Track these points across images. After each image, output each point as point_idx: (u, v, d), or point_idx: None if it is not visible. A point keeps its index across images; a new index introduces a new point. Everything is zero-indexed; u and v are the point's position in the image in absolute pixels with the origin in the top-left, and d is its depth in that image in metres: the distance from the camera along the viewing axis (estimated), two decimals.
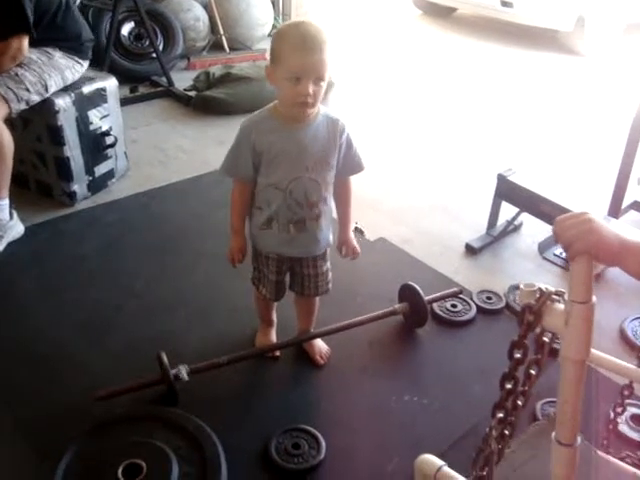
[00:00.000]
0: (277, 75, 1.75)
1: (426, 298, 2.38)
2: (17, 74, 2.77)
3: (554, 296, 1.06)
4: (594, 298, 1.02)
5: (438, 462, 1.34)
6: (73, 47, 3.03)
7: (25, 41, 2.76)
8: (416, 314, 2.40)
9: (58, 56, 2.96)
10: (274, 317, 2.30)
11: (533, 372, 1.10)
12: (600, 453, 1.39)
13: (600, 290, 2.72)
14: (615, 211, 2.85)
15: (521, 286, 1.09)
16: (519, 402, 1.11)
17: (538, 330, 1.07)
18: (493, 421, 1.12)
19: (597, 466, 1.40)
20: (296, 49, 1.70)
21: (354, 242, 2.09)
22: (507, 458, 1.30)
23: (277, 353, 2.25)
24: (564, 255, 2.90)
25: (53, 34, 2.93)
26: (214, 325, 2.41)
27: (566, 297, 1.04)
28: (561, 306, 1.05)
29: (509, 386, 1.11)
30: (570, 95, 5.27)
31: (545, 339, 1.08)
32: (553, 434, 1.08)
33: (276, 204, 1.90)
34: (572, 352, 1.04)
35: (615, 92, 5.34)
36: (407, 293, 2.42)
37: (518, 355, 1.09)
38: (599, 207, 2.90)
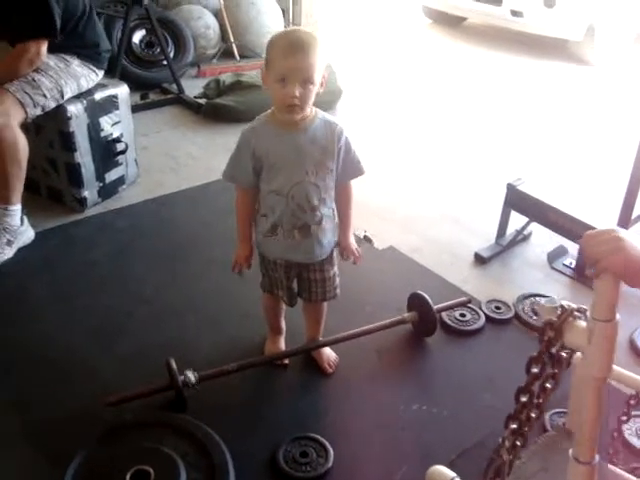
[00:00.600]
0: (269, 80, 1.79)
1: (435, 307, 2.38)
2: (34, 79, 2.79)
3: (576, 313, 1.06)
4: (618, 316, 1.01)
5: (450, 474, 1.34)
6: (91, 56, 3.05)
7: (44, 46, 2.78)
8: (425, 323, 2.40)
9: (75, 64, 2.98)
10: (283, 325, 2.31)
11: (549, 386, 1.10)
12: (609, 466, 1.39)
13: None
14: (625, 221, 2.84)
15: (542, 302, 1.09)
16: (533, 414, 1.11)
17: (558, 346, 1.07)
18: (506, 432, 1.12)
19: (605, 479, 1.39)
20: (283, 51, 1.75)
21: (354, 246, 2.07)
22: (517, 469, 1.30)
23: (286, 361, 2.25)
24: (573, 265, 2.90)
25: (73, 41, 2.95)
26: (224, 332, 2.42)
27: (588, 314, 1.03)
28: (583, 323, 1.04)
29: (524, 399, 1.10)
30: (580, 105, 5.27)
31: (563, 354, 1.08)
32: (570, 451, 1.08)
33: (279, 210, 1.91)
34: (594, 370, 1.03)
35: (625, 101, 5.33)
36: (416, 302, 2.42)
37: (535, 370, 1.09)
38: (609, 217, 2.89)
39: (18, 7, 2.70)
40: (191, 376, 2.04)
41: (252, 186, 1.93)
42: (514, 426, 1.12)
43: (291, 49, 1.73)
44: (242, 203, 1.98)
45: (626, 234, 1.03)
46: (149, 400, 2.04)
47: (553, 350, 1.09)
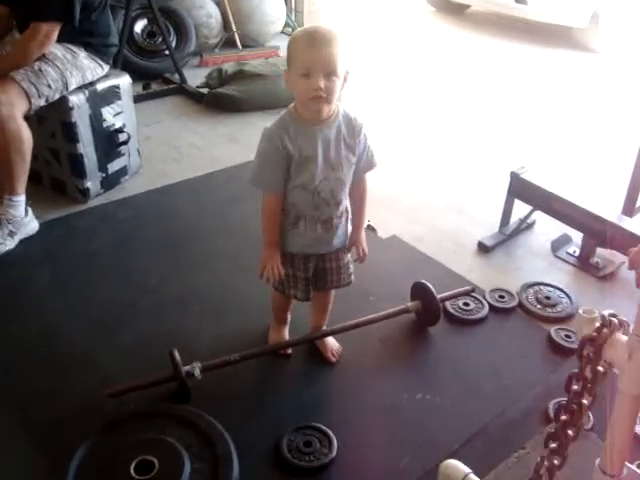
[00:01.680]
0: (291, 76, 1.78)
1: (438, 296, 2.37)
2: (40, 69, 2.78)
3: (617, 326, 1.01)
4: None
5: (465, 469, 1.32)
6: (98, 48, 3.05)
7: (56, 30, 2.77)
8: (428, 312, 2.39)
9: (82, 56, 2.97)
10: (289, 316, 2.31)
11: (586, 402, 1.06)
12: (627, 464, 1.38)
13: (614, 289, 2.71)
14: (629, 210, 2.83)
15: (580, 312, 1.04)
16: (570, 432, 1.08)
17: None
18: (546, 451, 1.09)
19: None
20: (305, 45, 1.75)
21: (364, 243, 2.09)
22: (521, 459, 1.30)
23: (289, 351, 2.25)
24: (577, 254, 2.89)
25: (85, 28, 2.95)
26: (227, 322, 2.42)
27: (630, 329, 0.99)
28: (624, 338, 1.00)
29: (564, 418, 1.07)
30: (584, 92, 5.24)
31: (600, 369, 1.03)
32: (597, 462, 1.05)
33: (303, 205, 1.91)
34: (633, 387, 1.00)
35: (630, 89, 5.30)
36: (419, 291, 2.42)
37: (576, 387, 1.05)
38: (613, 205, 2.88)
39: None
40: (195, 367, 2.04)
41: (283, 190, 1.91)
42: (554, 445, 1.10)
43: (313, 41, 1.74)
44: (271, 209, 1.93)
45: None
46: (152, 391, 2.04)
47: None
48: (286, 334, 2.30)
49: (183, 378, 2.01)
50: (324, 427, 1.95)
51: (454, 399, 2.12)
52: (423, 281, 2.41)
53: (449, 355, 2.33)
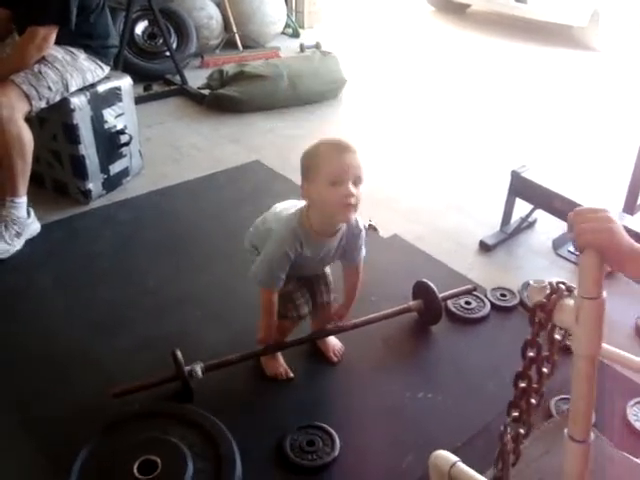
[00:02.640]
0: (315, 188, 1.79)
1: (440, 295, 2.38)
2: (40, 71, 2.80)
3: (564, 292, 1.06)
4: (604, 293, 1.02)
5: (452, 458, 1.34)
6: (98, 50, 3.06)
7: (53, 33, 2.78)
8: (430, 311, 2.40)
9: (82, 58, 2.98)
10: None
11: (545, 370, 1.10)
12: (618, 451, 1.39)
13: (614, 286, 2.71)
14: (630, 208, 2.84)
15: (531, 282, 1.09)
16: (533, 400, 1.11)
17: (549, 327, 1.07)
18: (508, 419, 1.12)
19: (614, 462, 1.40)
20: (332, 153, 1.78)
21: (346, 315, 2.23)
22: (521, 454, 1.30)
23: (291, 374, 2.19)
24: (577, 252, 2.88)
25: (83, 31, 2.95)
26: (228, 323, 2.42)
27: (575, 292, 1.04)
28: (571, 302, 1.04)
29: (523, 385, 1.11)
30: (585, 91, 5.24)
31: (557, 336, 1.08)
32: (566, 430, 1.08)
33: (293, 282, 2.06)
34: (583, 348, 1.04)
35: (631, 87, 5.30)
36: (421, 290, 2.42)
37: (531, 354, 1.09)
38: (614, 203, 2.88)
39: None
40: (197, 367, 2.05)
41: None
42: (516, 414, 1.13)
43: (342, 150, 1.78)
44: (272, 302, 2.00)
45: (615, 217, 1.04)
46: (155, 391, 2.05)
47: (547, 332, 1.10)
48: (280, 357, 2.23)
49: (186, 378, 2.02)
50: (327, 426, 1.95)
51: (456, 398, 2.13)
52: (425, 280, 2.42)
53: (451, 354, 2.34)
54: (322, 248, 1.94)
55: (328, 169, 1.76)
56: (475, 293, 2.56)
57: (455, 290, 2.53)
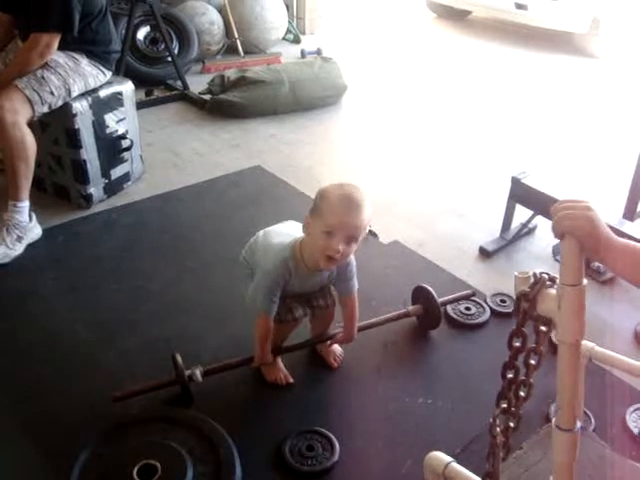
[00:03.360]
0: (314, 226, 1.83)
1: (439, 300, 2.39)
2: (43, 77, 2.81)
3: (548, 282, 1.08)
4: (585, 281, 1.04)
5: (446, 458, 1.36)
6: (100, 55, 3.07)
7: (56, 40, 2.80)
8: (429, 316, 2.41)
9: (84, 63, 3.00)
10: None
11: (533, 362, 1.12)
12: (617, 454, 1.40)
13: (614, 293, 2.72)
14: (630, 214, 2.84)
15: (515, 274, 1.10)
16: (522, 393, 1.12)
17: (536, 318, 1.09)
18: (496, 411, 1.14)
19: (614, 466, 1.40)
20: (336, 207, 1.79)
21: (354, 335, 2.20)
22: (519, 458, 1.31)
23: (290, 380, 2.19)
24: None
25: (85, 37, 2.98)
26: (229, 327, 2.43)
27: (557, 281, 1.05)
28: (554, 291, 1.06)
29: (510, 376, 1.12)
30: (585, 97, 5.25)
31: (543, 328, 1.10)
32: (553, 420, 1.09)
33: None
34: (566, 335, 1.05)
35: (630, 94, 5.31)
36: (421, 295, 2.43)
37: (517, 344, 1.11)
38: (614, 210, 2.89)
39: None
40: (197, 371, 2.05)
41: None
42: (504, 405, 1.14)
43: (345, 206, 1.78)
44: (268, 329, 2.02)
45: (596, 208, 1.06)
46: (155, 395, 2.05)
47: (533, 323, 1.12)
48: (279, 362, 2.23)
49: (186, 382, 2.02)
50: (326, 431, 1.96)
51: (456, 403, 2.13)
52: (424, 285, 2.42)
53: (450, 359, 2.34)
54: (310, 280, 2.01)
55: (328, 220, 1.79)
56: (475, 299, 2.57)
57: (454, 295, 2.53)
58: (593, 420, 1.99)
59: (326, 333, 2.24)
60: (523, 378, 1.14)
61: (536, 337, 1.11)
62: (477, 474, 1.33)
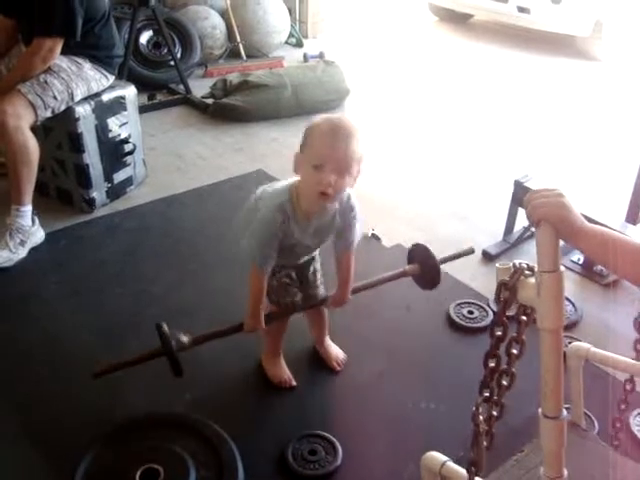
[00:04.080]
0: (304, 162, 1.74)
1: (438, 258, 2.24)
2: (46, 81, 2.82)
3: (527, 271, 1.10)
4: (562, 267, 1.06)
5: (442, 458, 1.36)
6: (103, 60, 3.08)
7: (59, 45, 2.81)
8: (427, 275, 2.26)
9: (87, 67, 3.01)
10: (281, 344, 2.24)
11: (515, 351, 1.13)
12: (621, 456, 1.40)
13: (619, 296, 2.71)
14: (633, 217, 2.84)
15: (497, 265, 1.13)
16: (504, 382, 1.14)
17: (518, 308, 1.12)
18: (479, 399, 1.15)
19: (615, 465, 1.40)
20: (323, 137, 1.71)
21: (348, 298, 2.09)
22: (520, 461, 1.32)
23: (294, 383, 2.18)
24: (581, 261, 2.89)
25: (88, 41, 2.99)
26: None
27: (536, 269, 1.08)
28: (533, 280, 1.08)
29: (492, 364, 1.14)
30: (587, 101, 5.25)
31: (523, 317, 1.12)
32: (540, 409, 1.11)
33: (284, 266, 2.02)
34: (546, 322, 1.07)
35: (633, 97, 5.31)
36: (417, 254, 2.29)
37: (499, 333, 1.13)
38: (617, 213, 2.88)
39: (42, 3, 2.75)
40: (184, 337, 1.94)
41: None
42: (486, 394, 1.15)
43: (333, 136, 1.69)
44: (261, 287, 1.92)
45: (567, 195, 1.09)
46: (158, 398, 2.05)
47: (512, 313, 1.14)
48: (283, 364, 2.22)
49: (172, 351, 1.88)
50: (329, 435, 1.96)
51: (458, 408, 2.11)
52: (420, 243, 2.28)
53: (453, 363, 2.33)
54: (311, 227, 1.86)
55: (316, 151, 1.71)
56: (478, 303, 2.56)
57: (453, 253, 2.41)
58: (596, 423, 1.99)
59: (318, 297, 2.12)
60: (505, 367, 1.15)
61: (517, 326, 1.13)
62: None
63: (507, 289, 1.10)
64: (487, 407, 1.18)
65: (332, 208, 1.85)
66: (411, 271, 2.28)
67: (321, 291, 2.12)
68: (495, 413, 1.18)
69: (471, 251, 2.43)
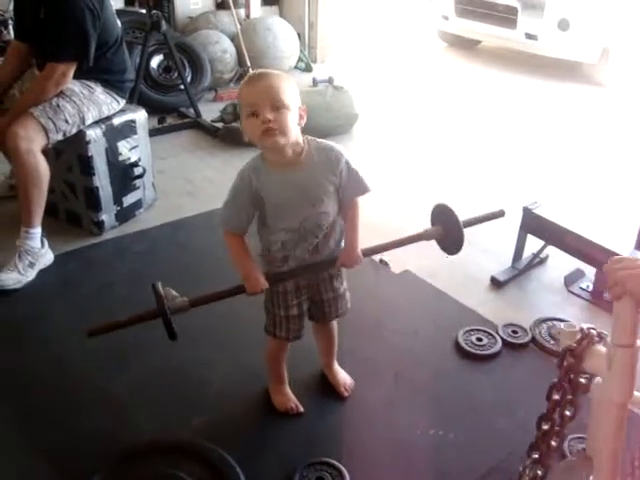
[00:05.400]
0: (243, 121, 1.78)
1: (461, 220, 2.14)
2: (58, 105, 2.85)
3: (596, 338, 1.07)
4: (639, 342, 1.02)
5: None
6: (114, 84, 3.12)
7: (72, 69, 2.85)
8: (450, 238, 2.18)
9: (99, 91, 3.04)
10: (285, 373, 2.22)
11: (568, 413, 1.10)
12: None
13: None
14: None
15: (562, 326, 1.10)
16: (554, 443, 1.11)
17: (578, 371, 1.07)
18: (527, 461, 1.12)
19: None
20: (246, 85, 1.77)
21: (359, 257, 1.96)
22: None
23: (301, 409, 2.16)
24: (590, 289, 2.88)
25: (101, 66, 3.02)
26: (239, 355, 2.42)
27: (608, 339, 1.04)
28: (603, 348, 1.04)
29: (546, 427, 1.10)
30: (595, 127, 5.26)
31: (582, 380, 1.08)
32: (591, 478, 1.07)
33: (291, 243, 1.88)
34: (614, 396, 1.03)
35: None
36: (440, 216, 2.20)
37: (557, 397, 1.10)
38: (626, 240, 2.87)
39: (56, 28, 2.79)
40: (179, 299, 1.93)
41: (244, 232, 1.88)
42: (535, 456, 1.12)
43: (254, 78, 1.77)
44: (236, 244, 1.89)
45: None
46: (164, 423, 2.05)
47: (571, 376, 1.09)
48: (289, 391, 2.21)
49: (166, 313, 1.86)
50: (336, 462, 1.94)
51: (468, 435, 2.11)
52: (444, 203, 2.18)
53: (462, 390, 2.32)
54: (288, 183, 1.82)
55: (245, 101, 1.75)
56: (486, 329, 2.55)
57: (480, 215, 2.27)
58: None
59: (325, 258, 1.98)
60: (557, 429, 1.12)
61: (574, 390, 1.10)
62: None
63: (573, 356, 1.06)
64: (534, 468, 1.15)
65: (306, 155, 1.83)
66: (433, 233, 2.19)
67: (331, 295, 2.05)
68: (540, 473, 1.15)
69: (501, 214, 2.25)
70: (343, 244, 1.97)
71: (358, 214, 1.95)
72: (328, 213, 1.89)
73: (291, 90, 1.76)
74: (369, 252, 2.04)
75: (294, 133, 1.77)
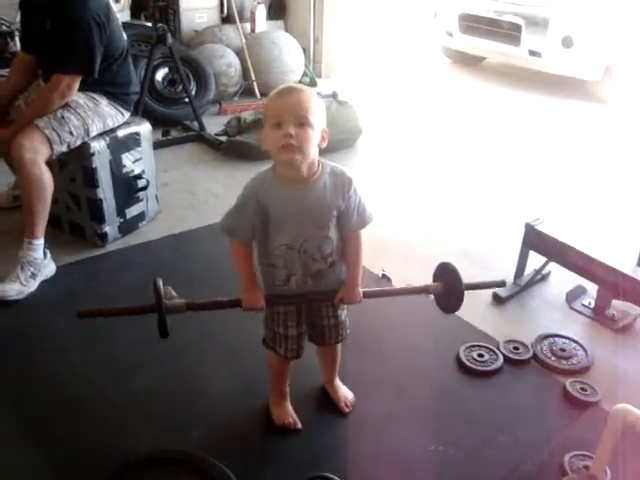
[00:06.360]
0: (265, 131, 1.76)
1: (464, 283, 2.11)
2: (63, 116, 2.87)
3: None
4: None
5: None
6: (119, 96, 3.14)
7: (77, 81, 2.87)
8: (450, 296, 2.14)
9: (104, 104, 3.06)
10: (287, 388, 2.21)
11: None
12: None
13: (630, 341, 2.69)
14: None
15: None
16: None
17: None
18: None
19: None
20: (275, 97, 1.76)
21: (359, 297, 1.97)
22: None
23: (299, 425, 2.15)
24: (592, 305, 2.87)
25: (106, 78, 3.03)
26: (240, 368, 2.42)
27: None
28: None
29: None
30: (598, 144, 5.27)
31: None
32: None
33: (291, 262, 1.87)
34: None
35: None
36: (443, 273, 2.18)
37: None
38: (629, 257, 2.87)
39: (62, 40, 2.81)
40: (178, 301, 1.94)
41: (249, 242, 1.88)
42: None
43: (284, 91, 1.76)
44: (241, 254, 1.89)
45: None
46: (164, 436, 2.04)
47: None
48: (289, 407, 2.20)
49: (162, 310, 1.89)
50: (336, 478, 1.93)
51: (468, 451, 2.10)
52: (449, 262, 2.17)
53: (463, 406, 2.31)
54: (296, 200, 1.80)
55: (270, 112, 1.74)
56: (488, 346, 2.55)
57: (482, 281, 2.26)
58: (609, 473, 1.95)
59: (322, 290, 1.97)
60: None
61: None
62: None
63: None
64: None
65: (318, 176, 1.81)
66: (434, 289, 2.18)
67: (332, 321, 2.05)
68: None
69: (502, 283, 2.27)
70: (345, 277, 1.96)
71: (362, 249, 1.94)
72: (332, 239, 1.88)
73: (318, 110, 1.76)
74: (370, 294, 2.05)
75: (312, 153, 1.76)
